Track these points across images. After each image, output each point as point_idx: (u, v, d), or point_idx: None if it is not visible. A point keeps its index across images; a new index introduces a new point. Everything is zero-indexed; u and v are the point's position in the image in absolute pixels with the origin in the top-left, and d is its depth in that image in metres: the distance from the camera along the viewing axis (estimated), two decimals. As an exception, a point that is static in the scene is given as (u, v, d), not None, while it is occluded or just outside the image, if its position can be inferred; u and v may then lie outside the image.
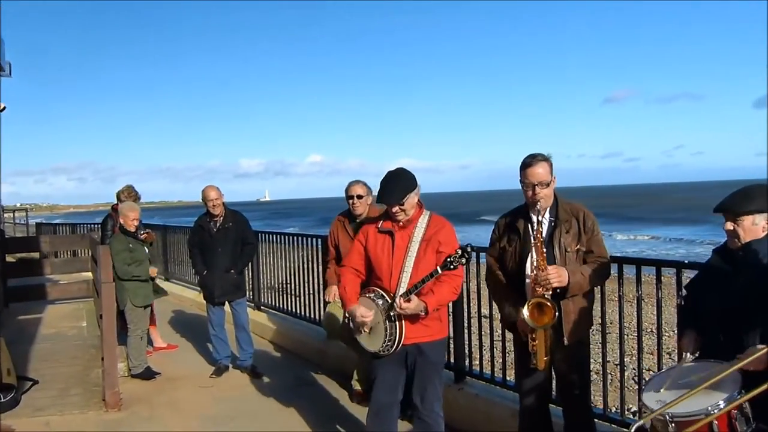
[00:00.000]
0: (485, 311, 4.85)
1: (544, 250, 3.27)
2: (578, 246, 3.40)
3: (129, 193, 7.29)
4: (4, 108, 8.67)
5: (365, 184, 5.24)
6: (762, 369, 2.38)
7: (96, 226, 12.30)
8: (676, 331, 3.77)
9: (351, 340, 5.37)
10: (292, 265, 7.71)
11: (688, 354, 2.82)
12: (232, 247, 6.29)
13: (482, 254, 4.75)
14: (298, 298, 7.56)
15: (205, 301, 6.46)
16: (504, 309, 3.58)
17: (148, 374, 6.24)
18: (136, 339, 6.27)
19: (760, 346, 2.43)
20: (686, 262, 3.62)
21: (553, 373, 3.57)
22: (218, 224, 6.26)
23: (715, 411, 2.33)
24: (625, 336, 4.24)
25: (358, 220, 5.19)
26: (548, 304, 3.20)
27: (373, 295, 3.56)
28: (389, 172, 3.61)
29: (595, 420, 3.78)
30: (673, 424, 2.40)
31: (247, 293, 7.30)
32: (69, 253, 12.96)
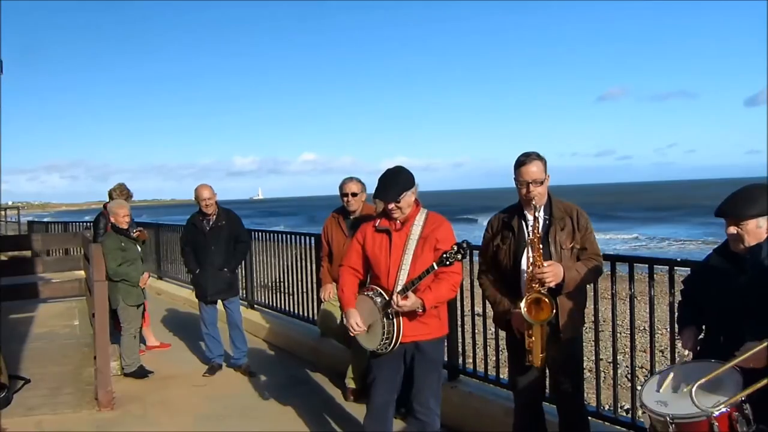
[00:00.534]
0: (479, 309, 4.85)
1: (541, 246, 3.28)
2: (572, 243, 3.43)
3: (121, 191, 7.26)
4: None
5: (359, 181, 5.24)
6: (762, 366, 2.37)
7: (87, 224, 12.27)
8: (669, 329, 3.80)
9: (345, 339, 5.38)
10: (285, 263, 7.71)
11: (687, 350, 2.84)
12: (225, 245, 6.28)
13: (476, 252, 4.77)
14: (291, 297, 7.56)
15: (197, 300, 6.45)
16: (499, 306, 3.59)
17: (141, 373, 6.22)
18: (129, 338, 6.24)
19: (756, 343, 2.42)
20: (678, 260, 3.64)
21: (546, 370, 3.58)
22: (211, 222, 6.25)
23: (716, 413, 2.32)
24: (618, 333, 4.25)
25: (352, 217, 5.19)
26: (546, 299, 3.21)
27: (371, 293, 3.57)
28: (388, 170, 3.62)
29: (589, 418, 3.78)
30: (673, 425, 2.40)
31: (240, 292, 7.29)
32: (61, 251, 12.90)
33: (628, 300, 3.90)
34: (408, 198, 3.53)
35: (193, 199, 6.30)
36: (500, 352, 4.72)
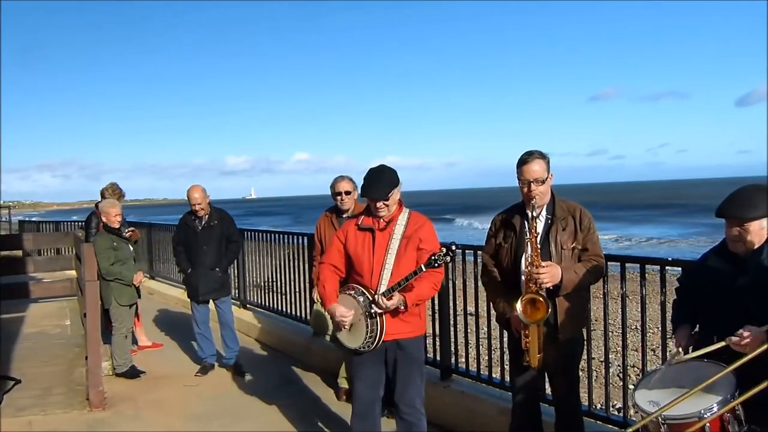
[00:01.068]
0: (471, 309, 4.85)
1: (539, 246, 3.27)
2: (574, 244, 3.41)
3: (113, 191, 7.23)
4: None
5: (351, 180, 5.24)
6: (756, 348, 2.36)
7: (79, 223, 12.21)
8: (660, 328, 3.81)
9: (337, 339, 5.37)
10: (278, 263, 7.69)
11: (680, 350, 2.83)
12: (217, 245, 6.28)
13: (468, 252, 4.77)
14: (283, 296, 7.54)
15: (189, 300, 6.43)
16: (498, 306, 3.59)
17: (133, 373, 6.20)
18: (120, 338, 6.22)
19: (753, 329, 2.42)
20: (670, 259, 3.65)
21: (545, 370, 3.56)
22: (203, 222, 6.25)
23: (707, 415, 2.34)
24: (610, 333, 4.27)
25: (345, 216, 5.18)
26: (541, 299, 3.20)
27: (353, 292, 3.56)
28: (372, 169, 3.63)
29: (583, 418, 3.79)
30: (665, 426, 2.40)
31: (233, 291, 7.28)
32: (52, 251, 12.84)
33: (620, 299, 3.91)
34: (394, 196, 3.55)
35: (186, 199, 6.29)
36: (492, 352, 4.73)
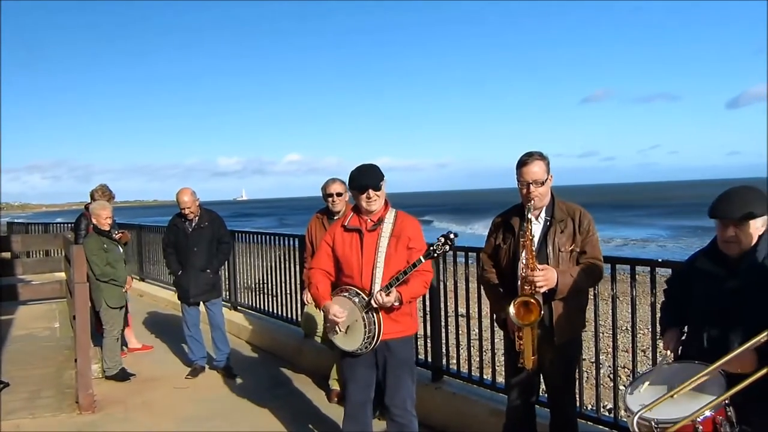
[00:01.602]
0: (462, 310, 4.86)
1: (534, 248, 3.26)
2: (572, 246, 3.38)
3: (103, 192, 7.20)
4: None
5: (343, 182, 5.24)
6: (749, 371, 2.36)
7: (68, 225, 12.13)
8: (650, 329, 3.82)
9: (329, 341, 5.36)
10: (269, 264, 7.67)
11: (669, 352, 2.84)
12: (207, 246, 6.26)
13: (459, 253, 4.77)
14: (274, 298, 7.52)
15: (180, 302, 6.40)
16: (495, 307, 3.58)
17: (123, 375, 6.16)
18: (111, 340, 6.18)
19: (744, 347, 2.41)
20: (660, 260, 3.66)
21: (540, 372, 3.55)
22: (193, 224, 6.23)
23: (700, 417, 2.34)
24: (601, 334, 4.28)
25: (336, 218, 5.18)
26: (533, 302, 3.18)
27: (347, 293, 3.55)
28: (358, 166, 3.64)
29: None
30: (658, 430, 2.40)
31: (223, 293, 7.25)
32: (41, 252, 12.75)
33: (611, 300, 3.92)
34: (384, 188, 3.57)
35: (175, 201, 6.27)
36: (484, 353, 4.73)
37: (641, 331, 7.12)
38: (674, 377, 2.59)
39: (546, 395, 3.75)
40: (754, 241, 2.59)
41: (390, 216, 3.61)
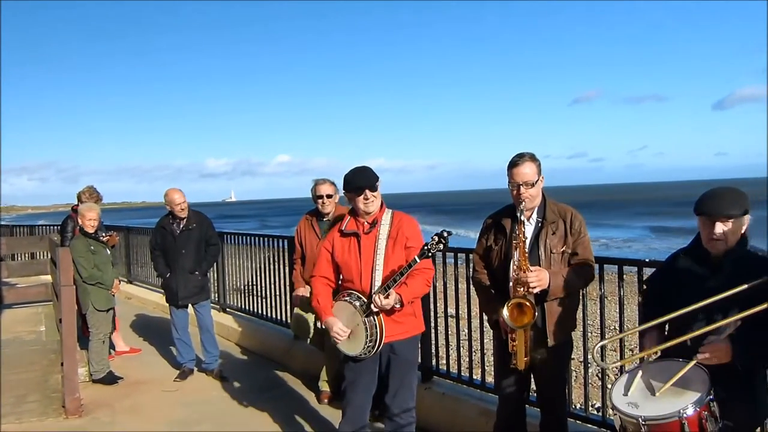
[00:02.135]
0: (452, 310, 4.86)
1: (526, 250, 3.26)
2: (564, 248, 3.39)
3: (90, 194, 7.15)
4: None
5: (333, 183, 5.23)
6: (727, 361, 2.44)
7: (53, 227, 12.04)
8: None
9: (319, 342, 5.35)
10: (258, 266, 7.65)
11: (651, 351, 2.86)
12: (196, 248, 6.24)
13: (449, 254, 4.77)
14: (264, 300, 7.50)
15: (168, 304, 6.37)
16: (487, 308, 3.59)
17: (111, 379, 6.12)
18: (98, 343, 6.14)
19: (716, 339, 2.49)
20: (647, 260, 3.67)
21: (531, 373, 3.55)
22: (181, 226, 6.19)
23: (686, 413, 2.38)
24: (589, 333, 4.29)
25: (326, 219, 5.17)
26: (528, 304, 3.18)
27: (348, 298, 3.54)
28: (351, 169, 3.64)
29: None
30: (645, 427, 2.44)
31: (212, 295, 7.23)
32: (27, 255, 12.64)
33: (599, 300, 3.94)
34: (379, 189, 3.57)
35: (164, 202, 6.24)
36: (473, 353, 4.74)
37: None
38: (658, 375, 2.63)
39: (536, 395, 3.76)
40: (738, 239, 2.64)
41: (386, 217, 3.61)
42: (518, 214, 3.31)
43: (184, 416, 5.22)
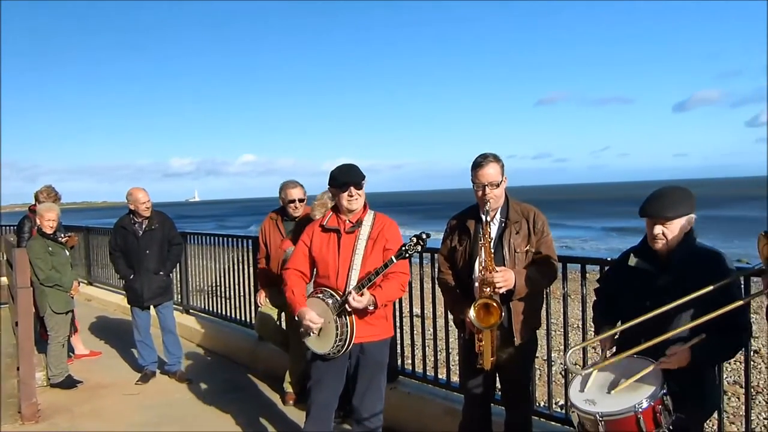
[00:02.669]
0: (417, 310, 4.87)
1: (492, 250, 3.28)
2: (527, 247, 3.42)
3: (48, 194, 6.98)
4: None
5: (303, 186, 5.22)
6: (685, 365, 2.51)
7: (10, 228, 11.74)
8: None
9: (283, 343, 5.32)
10: (221, 266, 7.56)
11: (605, 350, 2.93)
12: (159, 248, 6.16)
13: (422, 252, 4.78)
14: (228, 301, 7.42)
15: (130, 305, 6.25)
16: (453, 308, 3.59)
17: (69, 383, 5.98)
18: (56, 346, 6.00)
19: (679, 346, 2.56)
20: (609, 259, 3.73)
21: (497, 372, 3.57)
22: (144, 226, 6.09)
23: (641, 409, 2.45)
24: (553, 332, 4.35)
25: (298, 218, 5.14)
26: (494, 304, 3.20)
27: (321, 295, 3.52)
28: (339, 165, 3.64)
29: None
30: (602, 423, 2.49)
31: (175, 296, 7.12)
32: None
33: (562, 299, 3.99)
34: (364, 188, 3.57)
35: (127, 202, 6.12)
36: (439, 353, 4.76)
37: (592, 329, 7.27)
38: (614, 371, 2.70)
39: (501, 393, 3.78)
40: (681, 238, 2.72)
41: (368, 218, 3.60)
42: (483, 215, 3.33)
43: (146, 420, 5.13)
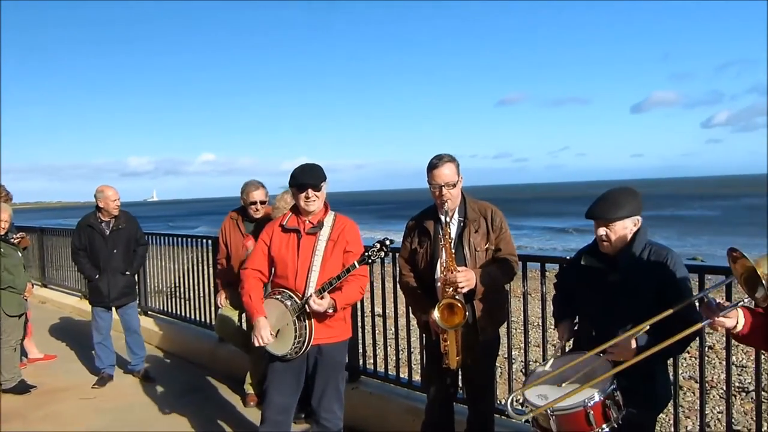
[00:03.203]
0: (378, 309, 4.88)
1: (453, 250, 3.30)
2: (487, 245, 3.45)
3: (-1, 194, 6.78)
4: None
5: (265, 187, 5.18)
6: (630, 359, 2.57)
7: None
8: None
9: (244, 344, 5.27)
10: (180, 267, 7.45)
11: (564, 343, 3.02)
12: (126, 248, 6.09)
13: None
14: (187, 302, 7.32)
15: (90, 307, 6.14)
16: (416, 310, 3.60)
17: (22, 388, 5.83)
18: (8, 350, 5.83)
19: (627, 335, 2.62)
20: (568, 258, 3.79)
21: (460, 371, 3.60)
22: (111, 225, 6.01)
23: (591, 403, 2.51)
24: (513, 330, 4.40)
25: (258, 218, 5.10)
26: (458, 304, 3.22)
27: (280, 296, 3.49)
28: (301, 165, 3.59)
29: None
30: (554, 418, 2.55)
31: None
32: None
33: (522, 297, 4.04)
34: (324, 189, 3.54)
35: (96, 200, 6.02)
36: (401, 352, 4.77)
37: (552, 327, 7.39)
38: (565, 368, 2.75)
39: (463, 391, 3.81)
40: (629, 238, 2.80)
41: (329, 219, 3.58)
42: (442, 216, 3.35)
43: (103, 424, 5.03)
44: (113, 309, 6.13)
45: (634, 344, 2.59)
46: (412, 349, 4.62)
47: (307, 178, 3.49)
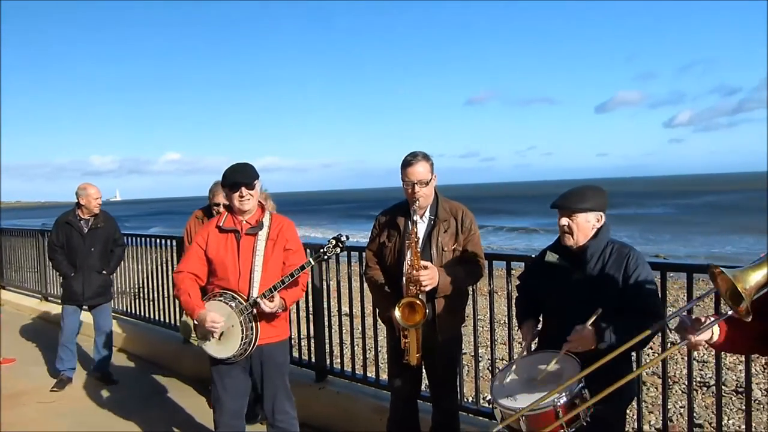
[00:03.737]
0: (345, 309, 4.86)
1: (419, 249, 3.30)
2: (455, 245, 3.46)
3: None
4: None
5: None
6: (590, 348, 2.63)
7: None
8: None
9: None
10: (143, 267, 7.32)
11: (527, 343, 3.03)
12: (104, 247, 6.04)
13: (343, 253, 4.76)
14: (152, 303, 7.19)
15: (64, 305, 6.05)
16: (380, 306, 3.60)
17: (-21, 392, 5.66)
18: (-36, 354, 5.67)
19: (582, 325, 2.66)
20: (534, 256, 3.83)
21: (423, 368, 3.62)
22: (90, 224, 5.94)
23: (559, 401, 2.53)
24: (480, 328, 4.42)
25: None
26: (419, 303, 3.23)
27: (222, 298, 3.41)
28: (232, 165, 3.52)
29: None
30: (524, 419, 2.56)
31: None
32: None
33: (488, 295, 4.07)
34: (257, 188, 3.49)
35: (77, 197, 5.94)
36: (367, 351, 4.76)
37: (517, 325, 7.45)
38: (532, 368, 2.79)
39: (428, 390, 3.82)
40: (591, 233, 2.85)
41: (266, 219, 3.53)
42: (412, 213, 3.36)
43: (63, 428, 4.92)
44: (82, 312, 6.03)
45: (590, 332, 2.64)
46: (379, 348, 4.61)
47: (239, 176, 3.43)
